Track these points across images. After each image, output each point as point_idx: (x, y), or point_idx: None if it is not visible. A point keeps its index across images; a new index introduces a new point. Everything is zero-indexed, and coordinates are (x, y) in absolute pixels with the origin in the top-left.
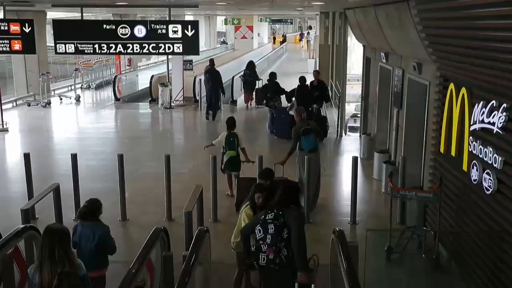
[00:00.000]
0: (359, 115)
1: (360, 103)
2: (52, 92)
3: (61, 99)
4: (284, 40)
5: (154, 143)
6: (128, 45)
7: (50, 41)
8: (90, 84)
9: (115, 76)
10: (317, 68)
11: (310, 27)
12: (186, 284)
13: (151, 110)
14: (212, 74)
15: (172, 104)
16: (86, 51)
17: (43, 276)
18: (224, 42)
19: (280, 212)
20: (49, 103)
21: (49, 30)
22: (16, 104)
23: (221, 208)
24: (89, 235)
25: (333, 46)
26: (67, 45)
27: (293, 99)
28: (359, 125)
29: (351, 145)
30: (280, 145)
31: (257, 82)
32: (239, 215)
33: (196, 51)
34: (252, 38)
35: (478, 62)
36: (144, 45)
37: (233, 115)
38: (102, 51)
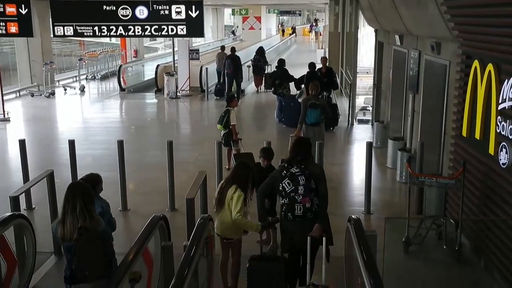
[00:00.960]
0: (368, 108)
1: (371, 92)
2: (57, 83)
3: (65, 89)
4: (293, 32)
5: (159, 132)
6: (129, 27)
7: None
8: (95, 75)
9: (120, 66)
10: (326, 56)
11: (316, 20)
12: (186, 275)
13: (156, 100)
14: (234, 60)
15: (178, 93)
16: (85, 33)
17: (65, 229)
18: (233, 33)
19: (303, 166)
20: (53, 93)
21: None
22: (19, 94)
23: None
24: None
25: (343, 34)
26: (65, 28)
27: (302, 86)
28: (369, 118)
29: (363, 134)
30: (288, 134)
31: (266, 67)
32: (228, 197)
33: (200, 33)
34: (260, 29)
35: (509, 32)
36: (146, 27)
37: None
38: (102, 34)
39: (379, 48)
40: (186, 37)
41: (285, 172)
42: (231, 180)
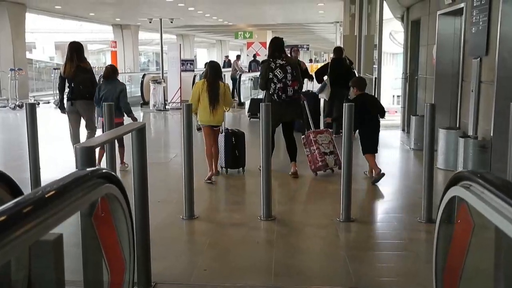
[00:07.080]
0: None
1: (401, 84)
2: (32, 99)
3: (38, 103)
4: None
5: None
6: None
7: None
8: None
9: (100, 76)
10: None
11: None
12: None
13: (141, 113)
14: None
15: (166, 106)
16: None
17: (66, 69)
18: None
19: (285, 59)
20: (20, 105)
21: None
22: None
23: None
24: (112, 89)
25: (360, 37)
26: None
27: (325, 77)
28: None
29: (392, 138)
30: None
31: None
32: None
33: None
34: (266, 55)
35: None
36: None
37: None
38: None
39: (412, 29)
40: None
41: (273, 64)
42: (215, 77)
